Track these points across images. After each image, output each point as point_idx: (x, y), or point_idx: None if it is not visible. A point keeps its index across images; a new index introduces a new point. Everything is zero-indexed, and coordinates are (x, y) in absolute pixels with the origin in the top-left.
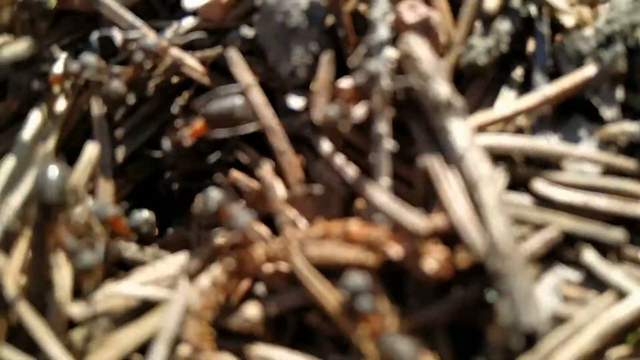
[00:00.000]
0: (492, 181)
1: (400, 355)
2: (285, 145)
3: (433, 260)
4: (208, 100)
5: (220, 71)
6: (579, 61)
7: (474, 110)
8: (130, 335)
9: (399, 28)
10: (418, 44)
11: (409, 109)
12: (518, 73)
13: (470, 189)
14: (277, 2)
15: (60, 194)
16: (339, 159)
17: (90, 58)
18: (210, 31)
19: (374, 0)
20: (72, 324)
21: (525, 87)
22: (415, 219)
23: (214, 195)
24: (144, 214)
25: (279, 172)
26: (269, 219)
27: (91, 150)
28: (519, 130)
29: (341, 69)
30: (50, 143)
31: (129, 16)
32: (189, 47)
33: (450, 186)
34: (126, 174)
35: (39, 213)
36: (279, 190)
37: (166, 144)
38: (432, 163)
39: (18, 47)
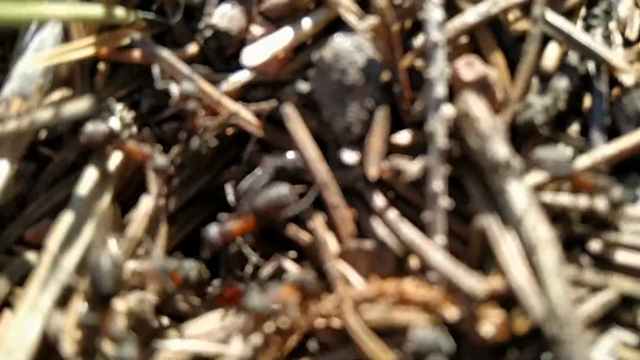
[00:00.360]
0: (551, 244)
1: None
2: (338, 200)
3: (490, 324)
4: (252, 192)
5: (274, 123)
6: (638, 120)
7: (529, 168)
8: None
9: (455, 85)
10: (476, 102)
11: (464, 166)
12: (574, 129)
13: (529, 252)
14: (334, 60)
15: (115, 284)
16: (393, 215)
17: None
18: (266, 84)
19: (432, 58)
20: None
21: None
22: (472, 282)
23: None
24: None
25: (332, 226)
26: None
27: (146, 204)
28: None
29: (396, 124)
30: (107, 197)
31: (186, 69)
32: (244, 99)
33: (508, 248)
34: (177, 222)
35: (94, 300)
36: (331, 244)
37: (212, 232)
38: (490, 224)
39: (79, 106)
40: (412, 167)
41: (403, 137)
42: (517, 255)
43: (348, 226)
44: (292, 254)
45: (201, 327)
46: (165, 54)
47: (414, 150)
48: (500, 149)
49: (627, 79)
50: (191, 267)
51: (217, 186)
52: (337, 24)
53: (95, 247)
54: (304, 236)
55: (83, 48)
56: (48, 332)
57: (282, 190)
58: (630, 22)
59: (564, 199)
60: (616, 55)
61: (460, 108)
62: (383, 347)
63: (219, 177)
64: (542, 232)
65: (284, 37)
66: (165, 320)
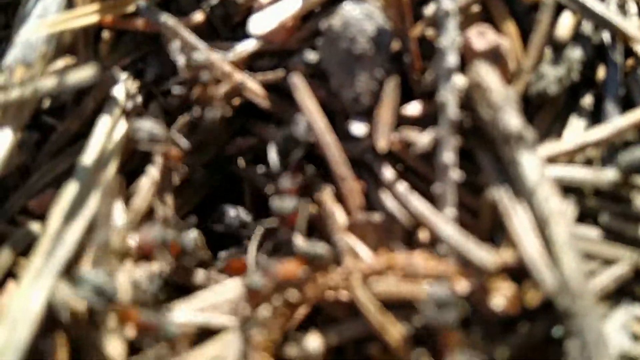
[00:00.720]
0: (563, 217)
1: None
2: (346, 172)
3: (501, 296)
4: None
5: (280, 94)
6: None
7: (542, 139)
8: None
9: (467, 55)
10: (488, 73)
11: (476, 137)
12: (587, 101)
13: (541, 224)
14: (343, 28)
15: (109, 290)
16: (402, 187)
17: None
18: (273, 53)
19: (443, 27)
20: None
21: (594, 115)
22: (483, 254)
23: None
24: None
25: (340, 198)
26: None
27: (152, 174)
28: (588, 161)
29: (406, 95)
30: (112, 167)
31: (191, 37)
32: (250, 69)
33: (520, 221)
34: (183, 194)
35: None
36: (339, 217)
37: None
38: (501, 196)
39: (83, 74)
40: (422, 138)
41: (413, 108)
42: (528, 228)
43: (356, 198)
44: None
45: (208, 299)
46: (171, 22)
47: (424, 121)
48: (512, 119)
49: None
50: (189, 238)
51: (224, 158)
52: None
53: (101, 218)
54: (311, 208)
55: (87, 15)
56: (52, 302)
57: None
58: None
59: (577, 171)
60: (631, 25)
61: (471, 78)
62: (391, 320)
63: (225, 149)
64: (555, 205)
65: (292, 4)
66: (172, 292)
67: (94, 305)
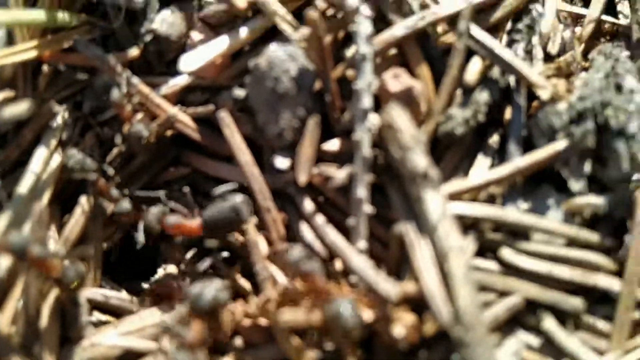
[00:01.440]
0: (462, 252)
1: (344, 319)
2: (270, 203)
3: (402, 326)
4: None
5: (211, 126)
6: (551, 134)
7: (449, 177)
8: None
9: (383, 96)
10: (400, 115)
11: (387, 174)
12: (494, 140)
13: (441, 259)
14: (268, 67)
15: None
16: (320, 220)
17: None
18: (204, 88)
19: (360, 70)
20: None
21: (500, 153)
22: (388, 286)
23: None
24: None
25: (263, 228)
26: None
27: (84, 203)
28: (491, 198)
29: (327, 132)
30: (45, 196)
31: (126, 72)
32: (182, 103)
33: (422, 255)
34: (116, 222)
35: None
36: (262, 246)
37: (152, 214)
38: (407, 231)
39: (19, 108)
40: (339, 174)
41: (332, 144)
42: (430, 262)
43: (279, 229)
44: (225, 254)
45: (135, 323)
46: (106, 57)
47: (343, 157)
48: (419, 159)
49: (543, 94)
50: (72, 269)
51: (155, 187)
52: (275, 33)
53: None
54: (236, 237)
55: (26, 51)
56: None
57: (236, 204)
58: (552, 36)
59: (479, 208)
60: (534, 71)
61: (384, 119)
62: (302, 346)
63: (157, 179)
64: (454, 241)
65: (221, 43)
66: (100, 316)
67: None
